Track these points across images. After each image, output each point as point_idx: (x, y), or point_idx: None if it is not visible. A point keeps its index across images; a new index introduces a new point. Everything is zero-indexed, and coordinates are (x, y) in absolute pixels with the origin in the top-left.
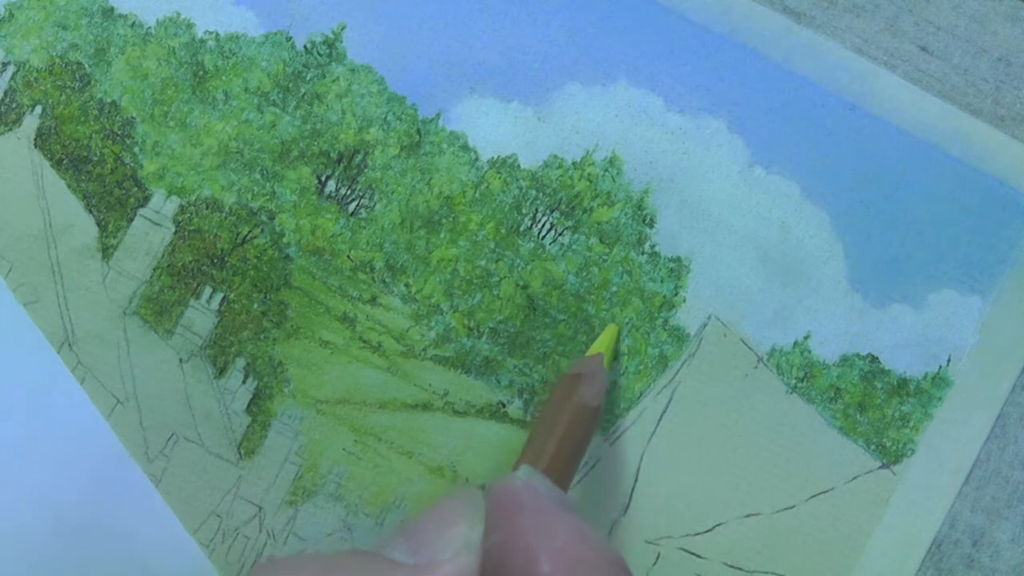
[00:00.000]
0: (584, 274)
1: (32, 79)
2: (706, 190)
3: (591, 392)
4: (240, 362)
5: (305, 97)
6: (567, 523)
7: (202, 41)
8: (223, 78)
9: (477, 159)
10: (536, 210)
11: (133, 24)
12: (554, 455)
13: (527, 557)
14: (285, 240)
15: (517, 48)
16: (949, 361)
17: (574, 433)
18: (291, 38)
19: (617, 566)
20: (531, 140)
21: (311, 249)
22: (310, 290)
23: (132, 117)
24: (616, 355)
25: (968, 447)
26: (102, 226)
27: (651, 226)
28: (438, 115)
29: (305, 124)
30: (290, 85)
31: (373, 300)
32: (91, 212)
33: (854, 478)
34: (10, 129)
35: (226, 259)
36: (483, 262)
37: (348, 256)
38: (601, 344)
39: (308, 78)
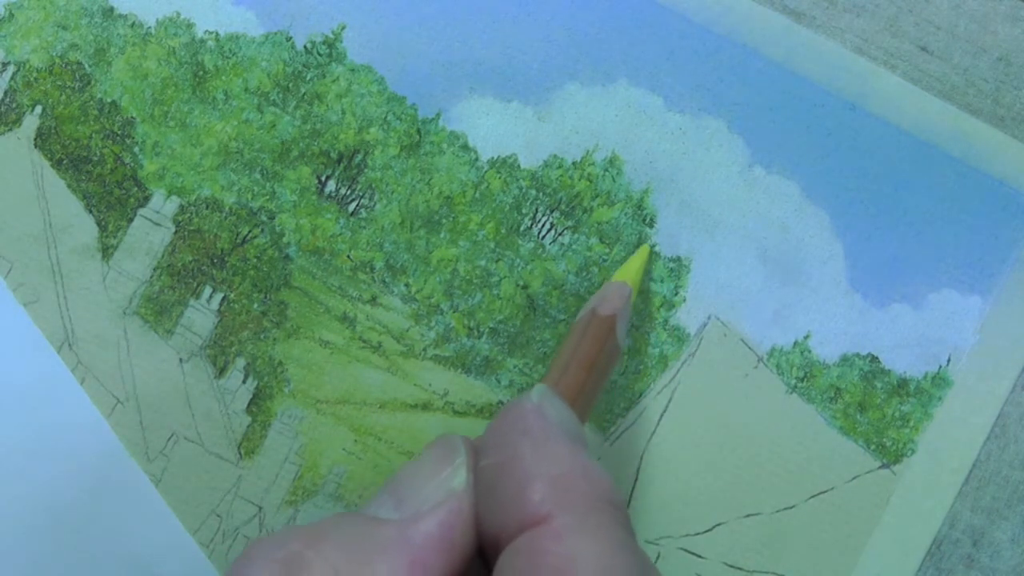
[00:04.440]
0: (584, 274)
1: (32, 79)
2: (706, 190)
3: (608, 304)
4: (240, 362)
5: (305, 97)
6: (569, 452)
7: (202, 41)
8: (223, 78)
9: (477, 159)
10: (536, 210)
11: (133, 24)
12: (569, 376)
13: (520, 482)
14: (285, 240)
15: (517, 48)
16: (949, 361)
17: (597, 360)
18: (291, 38)
19: (610, 503)
20: (531, 140)
21: (311, 249)
22: (310, 290)
23: (132, 117)
24: (644, 281)
25: (968, 447)
26: (102, 226)
27: (651, 226)
28: (438, 115)
29: (305, 124)
30: (290, 85)
31: (373, 300)
32: (91, 212)
33: (854, 478)
34: (10, 129)
35: (226, 259)
36: (483, 262)
37: (348, 256)
38: (629, 269)
39: (308, 78)
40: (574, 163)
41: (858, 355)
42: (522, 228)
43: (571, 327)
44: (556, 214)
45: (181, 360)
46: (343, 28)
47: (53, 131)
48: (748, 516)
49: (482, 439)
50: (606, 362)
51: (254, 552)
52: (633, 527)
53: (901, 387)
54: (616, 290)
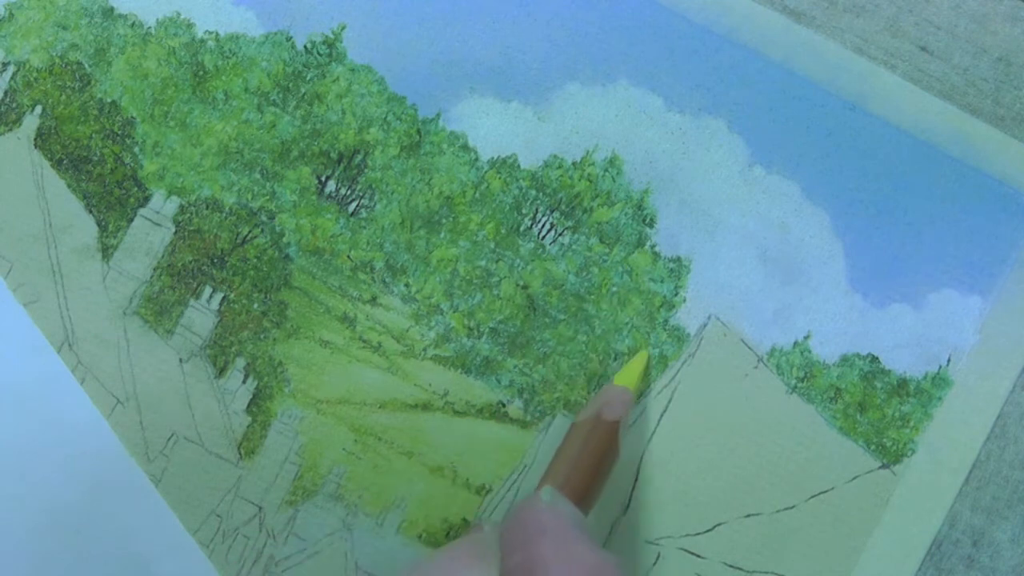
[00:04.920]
0: (584, 274)
1: (32, 79)
2: (706, 190)
3: (612, 410)
4: (240, 362)
5: (305, 97)
6: (586, 549)
7: (202, 41)
8: (223, 78)
9: (477, 159)
10: (536, 210)
11: (133, 24)
12: (575, 477)
13: None
14: (285, 240)
15: (517, 48)
16: (949, 361)
17: (601, 464)
18: (291, 38)
19: None
20: (531, 140)
21: (311, 249)
22: (310, 290)
23: (132, 117)
24: (645, 383)
25: (968, 447)
26: (102, 226)
27: (651, 226)
28: (438, 115)
29: (305, 124)
30: (290, 85)
31: (373, 300)
32: (91, 212)
33: (854, 478)
34: (10, 129)
35: (226, 259)
36: (483, 262)
37: (348, 256)
38: (630, 374)
39: (308, 78)
40: (574, 163)
41: (858, 355)
42: (522, 228)
43: (573, 427)
44: (556, 214)
45: (181, 360)
46: (343, 28)
47: (53, 131)
48: (748, 516)
49: (500, 539)
50: (608, 465)
51: None
52: (632, 528)
53: (901, 387)
54: (619, 396)
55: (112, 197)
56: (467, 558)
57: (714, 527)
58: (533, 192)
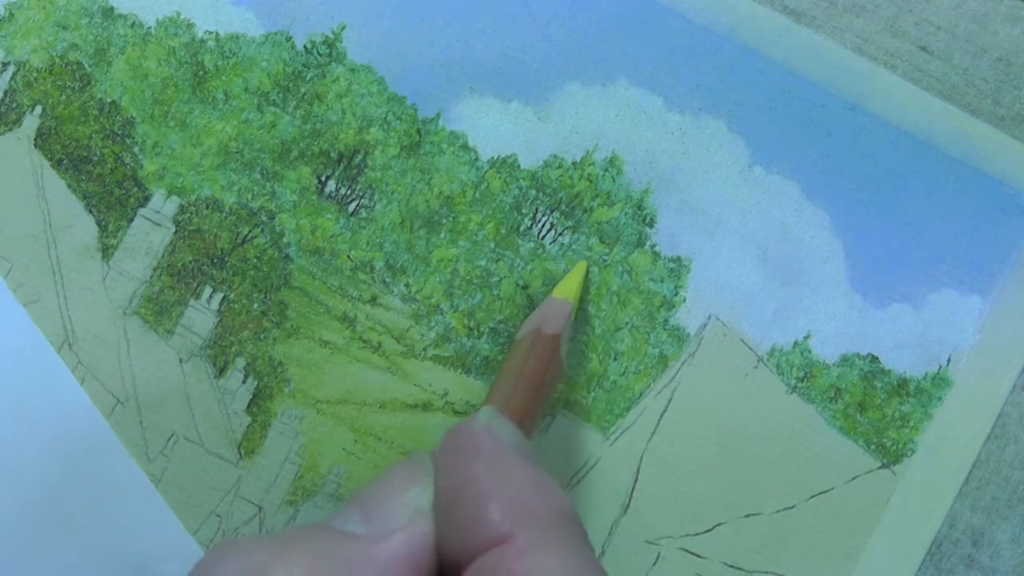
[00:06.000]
0: (584, 274)
1: (32, 79)
2: (706, 190)
3: (552, 324)
4: (240, 362)
5: (305, 97)
6: (523, 470)
7: (202, 41)
8: (223, 78)
9: (477, 159)
10: (536, 210)
11: (133, 24)
12: (517, 396)
13: (478, 503)
14: (285, 240)
15: (517, 48)
16: (949, 361)
17: (543, 379)
18: (291, 38)
19: (567, 518)
20: (531, 140)
21: (311, 249)
22: (310, 290)
23: (132, 117)
24: (582, 294)
25: (968, 447)
26: (102, 226)
27: (651, 226)
28: (438, 115)
29: (305, 124)
30: (290, 85)
31: (373, 300)
32: (91, 212)
33: (854, 478)
34: (10, 129)
35: (226, 259)
36: (483, 262)
37: (348, 256)
38: (568, 286)
39: (308, 78)
40: (574, 163)
41: (858, 355)
42: (522, 228)
43: (513, 344)
44: (556, 214)
45: (181, 360)
46: (343, 28)
47: (53, 131)
48: (748, 516)
49: (434, 462)
50: (551, 380)
51: (221, 556)
52: (632, 528)
53: (901, 387)
54: (559, 308)
55: (112, 197)
56: (400, 481)
57: (714, 527)
58: (533, 192)
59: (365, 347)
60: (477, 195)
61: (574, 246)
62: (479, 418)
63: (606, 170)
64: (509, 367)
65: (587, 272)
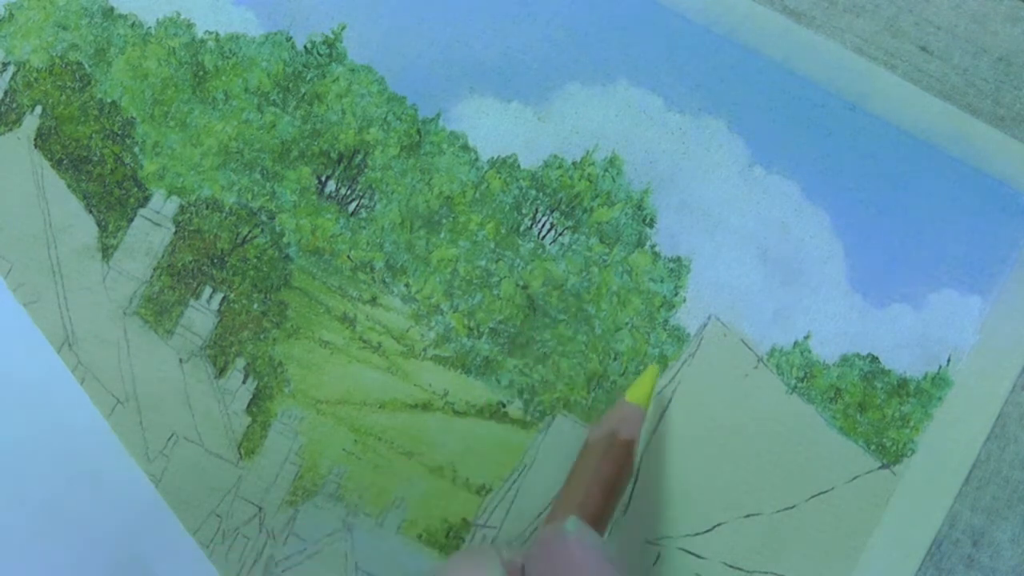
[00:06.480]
0: (584, 274)
1: (32, 79)
2: (706, 190)
3: (627, 429)
4: (240, 362)
5: (305, 97)
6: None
7: (202, 41)
8: (223, 78)
9: (477, 159)
10: (536, 210)
11: (133, 24)
12: (592, 499)
13: None
14: (285, 240)
15: (517, 48)
16: (949, 361)
17: (612, 475)
18: (291, 38)
19: None
20: (531, 140)
21: (311, 249)
22: (310, 290)
23: (132, 117)
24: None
25: (968, 447)
26: (102, 226)
27: (651, 226)
28: (438, 115)
29: (305, 124)
30: (290, 85)
31: (373, 300)
32: (91, 212)
33: (854, 478)
34: (10, 129)
35: (226, 259)
36: (483, 262)
37: (348, 256)
38: (642, 390)
39: (308, 78)
40: (574, 163)
41: (858, 355)
42: (522, 228)
43: (586, 445)
44: (556, 214)
45: (181, 360)
46: (343, 28)
47: (53, 131)
48: (748, 516)
49: (525, 568)
50: (623, 484)
51: None
52: (632, 528)
53: (901, 387)
54: (633, 413)
55: (112, 197)
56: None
57: (714, 527)
58: (533, 192)
59: (365, 347)
60: (477, 195)
61: (574, 246)
62: (567, 527)
63: (606, 170)
64: (583, 469)
65: (657, 376)
